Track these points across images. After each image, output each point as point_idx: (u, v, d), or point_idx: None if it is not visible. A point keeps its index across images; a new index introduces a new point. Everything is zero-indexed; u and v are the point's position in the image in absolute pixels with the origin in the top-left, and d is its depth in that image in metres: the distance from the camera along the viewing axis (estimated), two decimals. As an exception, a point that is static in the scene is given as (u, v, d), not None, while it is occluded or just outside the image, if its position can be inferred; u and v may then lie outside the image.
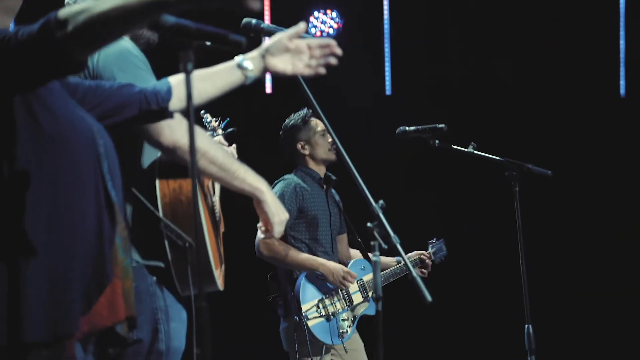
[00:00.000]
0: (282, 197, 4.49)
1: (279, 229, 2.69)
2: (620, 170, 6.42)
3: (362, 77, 6.02)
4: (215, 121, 3.59)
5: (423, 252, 4.74)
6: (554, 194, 5.76)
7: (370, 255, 3.24)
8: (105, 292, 2.07)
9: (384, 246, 3.24)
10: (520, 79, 6.34)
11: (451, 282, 4.74)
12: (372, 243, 3.25)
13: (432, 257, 4.76)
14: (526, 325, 3.96)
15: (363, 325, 4.40)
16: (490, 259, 5.14)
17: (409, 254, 4.64)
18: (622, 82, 6.43)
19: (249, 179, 2.60)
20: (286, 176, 4.61)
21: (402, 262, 4.50)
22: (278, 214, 2.66)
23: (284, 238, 4.46)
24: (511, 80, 6.35)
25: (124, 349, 2.27)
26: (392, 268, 4.63)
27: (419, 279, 3.16)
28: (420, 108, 5.87)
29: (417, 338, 5.81)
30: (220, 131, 3.52)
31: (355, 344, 4.51)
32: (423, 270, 4.69)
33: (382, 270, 4.63)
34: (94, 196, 2.10)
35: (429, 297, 3.19)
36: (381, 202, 3.28)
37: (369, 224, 3.25)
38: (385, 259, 4.69)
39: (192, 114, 2.23)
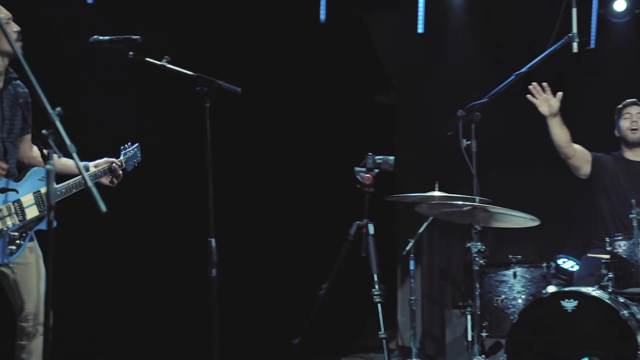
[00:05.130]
0: None
1: None
2: (316, 95, 6.71)
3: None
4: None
5: (114, 159, 4.44)
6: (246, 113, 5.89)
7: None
8: None
9: (59, 155, 3.16)
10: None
11: (136, 196, 4.67)
12: (45, 151, 3.18)
13: (124, 165, 4.49)
14: (209, 239, 4.04)
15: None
16: (179, 173, 5.17)
17: (98, 161, 4.39)
18: (322, 9, 6.64)
19: None
20: None
21: (91, 172, 4.36)
22: None
23: None
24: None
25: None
26: (77, 178, 4.27)
27: (94, 190, 3.12)
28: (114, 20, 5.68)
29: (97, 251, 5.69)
30: None
31: (27, 258, 4.13)
32: (114, 179, 4.41)
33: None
34: None
35: (103, 208, 3.17)
36: (59, 109, 3.19)
37: (44, 131, 3.16)
38: (69, 162, 4.38)
39: None
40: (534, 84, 5.47)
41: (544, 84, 5.47)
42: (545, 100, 5.47)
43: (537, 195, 7.12)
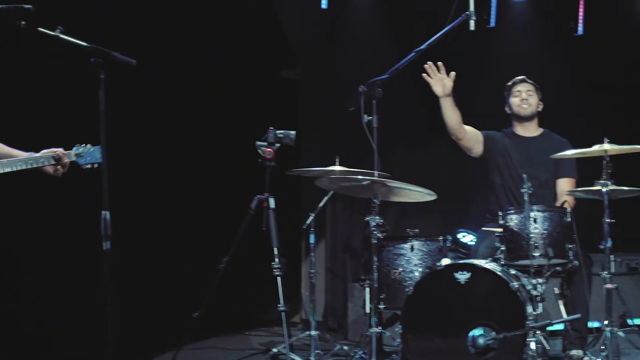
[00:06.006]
0: None
1: None
2: (220, 69, 6.69)
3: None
4: None
5: (60, 149, 4.42)
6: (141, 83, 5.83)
7: None
8: None
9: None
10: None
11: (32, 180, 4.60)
12: None
13: (73, 157, 4.45)
14: (103, 212, 4.02)
15: None
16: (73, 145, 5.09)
17: (45, 151, 4.37)
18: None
19: None
20: None
21: (34, 156, 4.34)
22: None
23: None
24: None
25: None
26: (18, 158, 4.33)
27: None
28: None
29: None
30: None
31: None
32: (59, 168, 4.40)
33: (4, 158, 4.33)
34: None
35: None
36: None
37: None
38: (14, 151, 4.39)
39: None
40: (429, 63, 5.55)
41: (439, 63, 5.56)
42: (440, 80, 5.57)
43: (440, 170, 7.27)
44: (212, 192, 6.64)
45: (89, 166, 4.53)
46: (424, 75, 5.55)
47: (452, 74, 5.54)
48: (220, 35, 6.77)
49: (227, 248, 5.54)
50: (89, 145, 4.52)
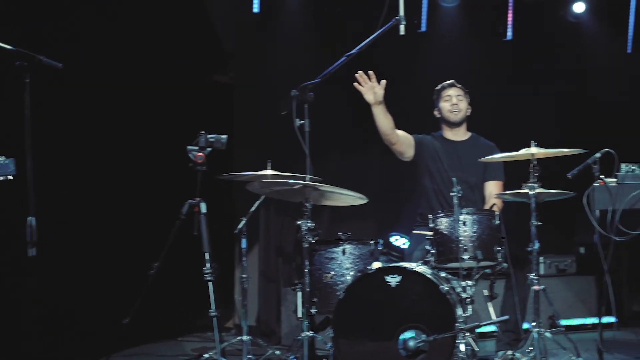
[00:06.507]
0: None
1: None
2: (153, 73, 6.63)
3: None
4: None
5: None
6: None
7: None
8: None
9: None
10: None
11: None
12: None
13: None
14: (29, 218, 3.97)
15: None
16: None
17: None
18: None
19: None
20: None
21: None
22: None
23: None
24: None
25: None
26: None
27: None
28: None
29: None
30: None
31: None
32: None
33: None
34: None
35: None
36: None
37: None
38: None
39: None
40: (360, 72, 5.57)
41: (370, 72, 5.58)
42: (371, 89, 5.59)
43: (373, 174, 7.31)
44: (143, 197, 6.56)
45: (2, 178, 4.45)
46: (355, 84, 5.57)
47: (383, 82, 5.57)
48: (151, 37, 6.69)
49: (158, 253, 5.49)
50: (3, 157, 4.43)
